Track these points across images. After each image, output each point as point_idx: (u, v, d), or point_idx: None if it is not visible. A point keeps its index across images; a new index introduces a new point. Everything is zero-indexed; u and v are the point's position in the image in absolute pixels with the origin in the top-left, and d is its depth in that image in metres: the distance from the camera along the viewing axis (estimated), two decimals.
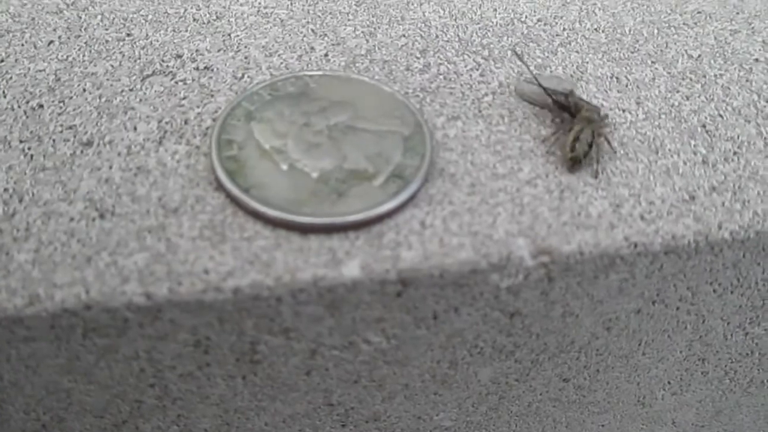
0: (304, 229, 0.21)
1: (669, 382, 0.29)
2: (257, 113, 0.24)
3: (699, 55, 0.29)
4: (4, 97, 0.24)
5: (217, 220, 0.21)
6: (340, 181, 0.22)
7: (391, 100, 0.25)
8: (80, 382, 0.22)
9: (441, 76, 0.27)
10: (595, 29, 0.30)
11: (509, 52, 0.29)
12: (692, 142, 0.25)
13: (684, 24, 0.31)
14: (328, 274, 0.20)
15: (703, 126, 0.26)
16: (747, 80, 0.28)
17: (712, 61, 0.29)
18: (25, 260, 0.20)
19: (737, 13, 0.32)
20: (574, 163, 0.24)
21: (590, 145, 0.24)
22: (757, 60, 0.30)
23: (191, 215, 0.21)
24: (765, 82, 0.28)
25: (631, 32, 0.30)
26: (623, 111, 0.26)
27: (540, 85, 0.26)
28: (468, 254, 0.21)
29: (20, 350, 0.20)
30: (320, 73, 0.26)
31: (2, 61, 0.26)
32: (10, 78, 0.25)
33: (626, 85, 0.28)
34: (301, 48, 0.28)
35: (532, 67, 0.28)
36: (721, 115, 0.27)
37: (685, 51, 0.30)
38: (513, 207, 0.23)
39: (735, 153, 0.25)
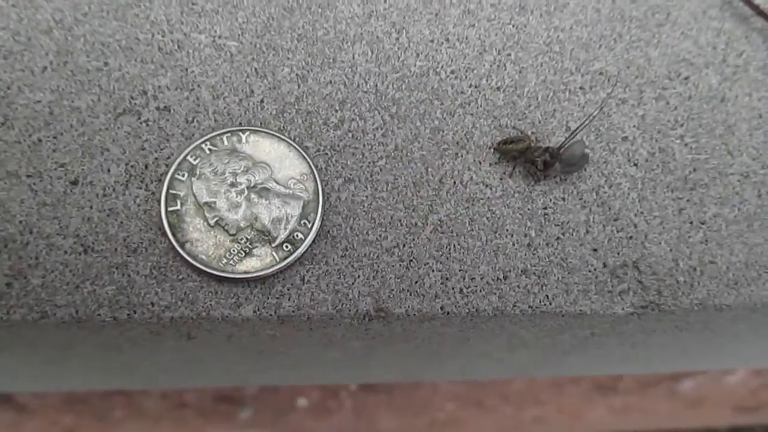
0: (219, 279, 0.33)
1: (494, 355, 0.43)
2: (197, 168, 0.34)
3: (574, 129, 0.37)
4: (13, 129, 0.34)
5: (162, 262, 0.33)
6: (248, 240, 0.33)
7: (301, 164, 0.35)
8: (81, 340, 0.36)
9: (350, 134, 0.36)
10: (498, 88, 0.37)
11: (413, 108, 0.36)
12: (528, 224, 0.35)
13: (580, 88, 0.38)
14: (231, 313, 0.33)
15: (545, 208, 0.35)
16: (605, 162, 0.36)
17: (584, 137, 0.37)
18: (36, 284, 0.32)
19: (636, 77, 0.38)
20: (498, 151, 0.36)
21: (517, 153, 0.35)
22: (624, 138, 0.37)
23: (145, 256, 0.33)
24: (619, 165, 0.36)
25: (528, 95, 0.37)
26: (486, 186, 0.35)
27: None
28: (327, 309, 0.33)
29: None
30: (251, 128, 0.35)
31: (8, 88, 0.35)
32: (16, 108, 0.34)
33: (499, 158, 0.36)
34: (242, 92, 0.36)
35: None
36: (564, 198, 0.36)
37: (566, 122, 0.37)
38: (370, 272, 0.34)
39: (558, 239, 0.35)
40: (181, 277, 0.33)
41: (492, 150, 0.36)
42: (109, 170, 0.34)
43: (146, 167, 0.34)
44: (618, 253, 0.35)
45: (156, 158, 0.34)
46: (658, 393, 0.80)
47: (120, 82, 0.36)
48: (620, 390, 0.78)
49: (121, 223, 0.33)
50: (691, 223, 0.36)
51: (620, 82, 0.38)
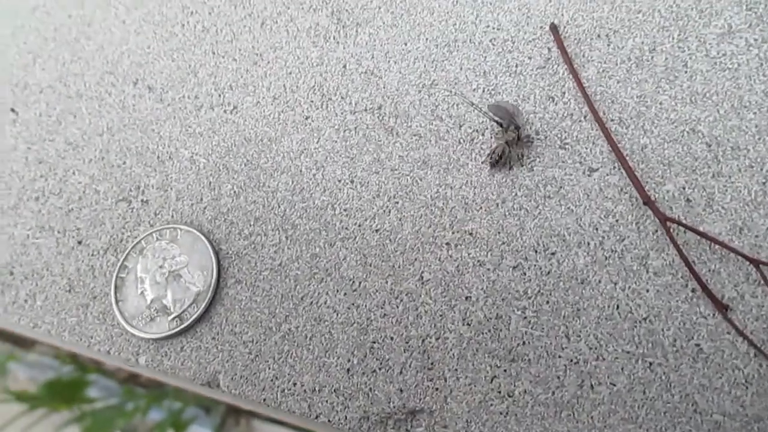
0: (134, 333, 0.47)
1: None
2: (146, 250, 0.49)
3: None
4: (61, 198, 0.53)
5: (106, 310, 0.48)
6: (155, 310, 0.47)
7: (210, 262, 0.47)
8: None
9: (252, 246, 0.47)
10: (376, 230, 0.45)
11: (304, 235, 0.46)
12: (354, 352, 0.42)
13: (446, 244, 0.43)
14: (132, 359, 0.47)
15: (374, 342, 0.42)
16: (441, 315, 0.42)
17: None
18: (39, 305, 0.50)
19: (503, 243, 0.42)
20: (491, 165, 0.44)
21: (501, 156, 0.44)
22: (468, 298, 0.42)
23: (99, 303, 0.49)
24: (453, 322, 0.41)
25: (398, 240, 0.44)
26: (334, 311, 0.44)
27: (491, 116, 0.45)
28: (189, 374, 0.45)
29: None
30: (186, 228, 0.48)
31: (68, 170, 0.53)
32: (67, 184, 0.53)
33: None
34: (195, 198, 0.50)
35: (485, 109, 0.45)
36: (392, 338, 0.42)
37: (420, 273, 0.43)
38: (227, 356, 0.45)
39: (374, 371, 0.42)
40: (113, 323, 0.48)
41: (492, 163, 0.44)
42: (100, 238, 0.51)
43: (121, 241, 0.50)
44: (420, 400, 0.40)
45: (128, 236, 0.50)
46: None
47: (127, 177, 0.52)
48: None
49: (95, 277, 0.50)
50: (499, 392, 0.40)
51: (485, 245, 0.43)
